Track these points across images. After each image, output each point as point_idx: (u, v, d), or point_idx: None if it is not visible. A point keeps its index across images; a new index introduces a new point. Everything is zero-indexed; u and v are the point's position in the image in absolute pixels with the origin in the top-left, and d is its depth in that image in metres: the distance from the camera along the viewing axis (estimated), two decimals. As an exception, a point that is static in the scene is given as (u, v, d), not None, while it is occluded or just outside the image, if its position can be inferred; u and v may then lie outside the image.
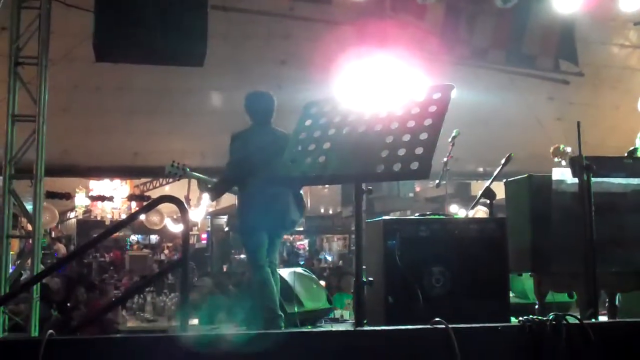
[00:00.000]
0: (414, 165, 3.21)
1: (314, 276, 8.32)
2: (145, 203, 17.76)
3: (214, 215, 21.34)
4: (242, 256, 18.14)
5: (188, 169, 7.13)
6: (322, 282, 10.14)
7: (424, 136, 3.28)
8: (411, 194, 14.67)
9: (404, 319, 3.76)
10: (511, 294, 8.24)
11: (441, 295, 5.03)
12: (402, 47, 11.12)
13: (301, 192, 6.59)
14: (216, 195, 7.07)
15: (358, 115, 3.58)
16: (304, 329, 5.32)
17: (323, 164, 3.46)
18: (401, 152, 3.28)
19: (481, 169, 14.74)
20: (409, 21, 12.61)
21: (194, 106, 13.72)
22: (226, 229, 19.43)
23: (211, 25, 7.47)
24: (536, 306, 5.43)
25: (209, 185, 6.99)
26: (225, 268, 16.45)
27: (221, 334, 3.94)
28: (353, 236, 6.06)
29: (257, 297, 6.36)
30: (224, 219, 19.85)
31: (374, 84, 9.07)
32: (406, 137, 3.32)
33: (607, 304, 5.44)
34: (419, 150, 3.24)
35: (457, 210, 14.73)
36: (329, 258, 18.94)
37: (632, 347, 3.25)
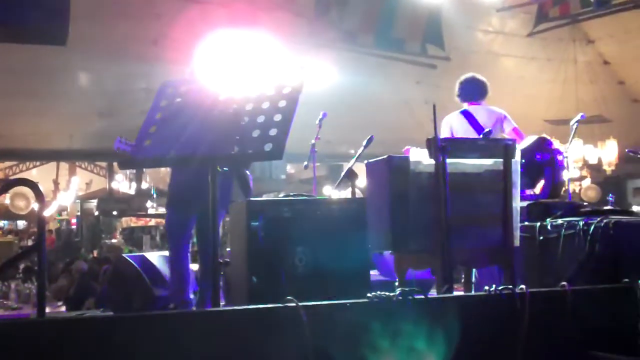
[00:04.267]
0: (268, 147, 3.25)
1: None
2: None
3: (84, 199, 20.82)
4: (114, 241, 17.81)
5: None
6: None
7: (278, 117, 3.32)
8: (283, 176, 14.78)
9: (268, 299, 3.80)
10: (378, 273, 8.51)
11: (304, 274, 5.08)
12: (272, 29, 11.15)
13: (247, 172, 6.50)
14: None
15: (214, 96, 3.58)
16: (161, 312, 5.27)
17: (178, 145, 3.45)
18: (255, 133, 3.31)
19: (352, 151, 15.00)
20: (280, 4, 12.66)
21: (61, 87, 13.30)
22: (96, 213, 18.98)
23: (79, 4, 7.26)
24: (396, 283, 5.59)
25: None
26: (95, 253, 16.07)
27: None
28: (227, 219, 6.09)
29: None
30: (94, 203, 19.40)
31: (238, 66, 9.06)
32: (261, 119, 3.35)
33: (462, 280, 5.67)
34: (273, 132, 3.28)
35: (329, 192, 14.94)
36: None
37: (469, 318, 3.43)
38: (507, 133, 6.81)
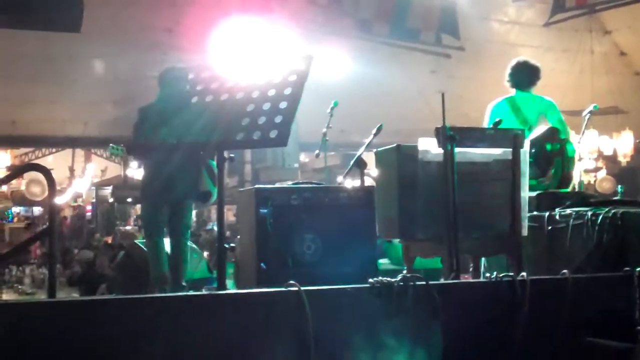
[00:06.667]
0: (273, 134, 3.28)
1: (194, 246, 8.33)
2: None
3: (99, 186, 20.94)
4: (128, 228, 17.91)
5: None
6: (206, 254, 10.16)
7: (283, 105, 3.35)
8: (296, 165, 14.81)
9: (276, 285, 3.85)
10: (387, 261, 8.54)
11: (312, 261, 5.12)
12: (286, 17, 11.18)
13: (214, 162, 6.60)
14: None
15: (221, 83, 3.61)
16: (162, 295, 5.33)
17: (185, 132, 3.49)
18: (261, 120, 3.35)
19: (366, 140, 15.00)
20: (295, -8, 12.69)
21: (76, 74, 13.37)
22: (111, 200, 19.08)
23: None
24: (404, 271, 5.61)
25: None
26: (109, 240, 16.18)
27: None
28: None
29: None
30: (108, 190, 19.49)
31: (250, 53, 9.10)
32: (266, 106, 3.38)
33: (471, 269, 5.68)
34: (278, 119, 3.31)
35: (342, 181, 14.92)
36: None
37: (469, 304, 3.46)
38: (550, 123, 6.75)
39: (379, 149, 5.69)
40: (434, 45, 14.55)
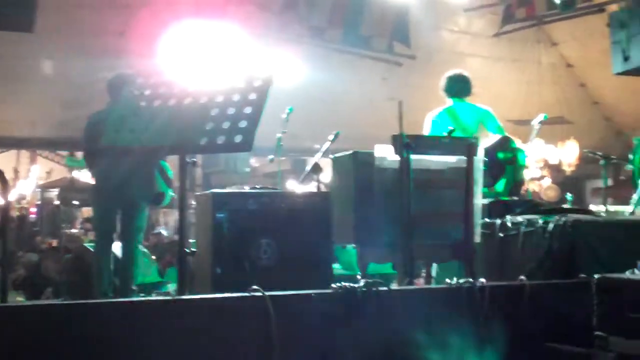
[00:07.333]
0: (238, 138, 3.29)
1: (145, 250, 8.26)
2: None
3: (44, 188, 20.58)
4: (74, 231, 17.62)
5: None
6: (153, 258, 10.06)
7: (248, 110, 3.36)
8: (247, 169, 14.77)
9: (232, 290, 3.85)
10: (338, 266, 8.59)
11: (268, 266, 5.13)
12: (240, 21, 11.15)
13: (165, 164, 6.59)
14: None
15: (184, 87, 3.61)
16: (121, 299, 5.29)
17: (147, 136, 3.48)
18: (225, 125, 3.35)
19: (317, 146, 15.01)
20: (249, -3, 12.67)
21: (26, 75, 13.13)
22: (57, 202, 18.76)
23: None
24: (358, 276, 5.67)
25: None
26: (54, 243, 15.91)
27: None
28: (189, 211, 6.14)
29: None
30: (54, 192, 19.16)
31: (205, 57, 9.08)
32: (231, 111, 3.39)
33: (423, 274, 5.76)
34: (243, 124, 3.32)
35: (294, 186, 14.94)
36: (165, 233, 18.74)
37: (430, 309, 3.51)
38: (489, 131, 6.89)
39: (335, 155, 5.74)
40: (386, 53, 14.64)
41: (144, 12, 12.41)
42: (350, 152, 5.43)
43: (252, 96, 3.39)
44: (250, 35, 11.25)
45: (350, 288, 3.31)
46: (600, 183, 17.96)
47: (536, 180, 16.22)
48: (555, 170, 16.46)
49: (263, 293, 3.16)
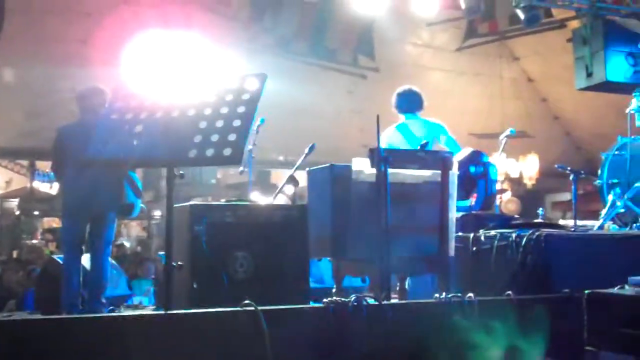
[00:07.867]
0: (227, 151, 3.28)
1: (114, 262, 8.15)
2: None
3: (3, 198, 20.18)
4: (35, 242, 17.31)
5: None
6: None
7: (237, 123, 3.36)
8: (213, 180, 14.70)
9: (208, 304, 3.82)
10: (310, 279, 8.58)
11: (245, 279, 5.11)
12: (206, 32, 11.12)
13: (134, 174, 6.54)
14: None
15: (171, 100, 3.58)
16: (111, 314, 5.22)
17: (134, 147, 3.45)
18: (214, 137, 3.34)
19: (282, 158, 15.03)
20: (214, 7, 12.64)
21: (-16, 82, 12.93)
22: (17, 212, 18.41)
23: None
24: (334, 290, 5.67)
25: None
26: (15, 254, 15.62)
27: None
28: (152, 221, 6.07)
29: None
30: (13, 203, 18.80)
31: (169, 67, 9.05)
32: (219, 123, 3.38)
33: (397, 288, 5.78)
34: (232, 137, 3.31)
35: (258, 198, 14.90)
36: (127, 244, 18.56)
37: (420, 324, 3.53)
38: (443, 144, 6.92)
39: (312, 168, 5.74)
40: (351, 66, 14.74)
41: (108, 20, 12.31)
42: (327, 165, 5.43)
43: (241, 109, 3.39)
44: (216, 45, 11.22)
45: (342, 302, 3.32)
46: (559, 197, 18.35)
47: (498, 193, 16.40)
48: (516, 183, 16.67)
49: (255, 307, 3.14)
